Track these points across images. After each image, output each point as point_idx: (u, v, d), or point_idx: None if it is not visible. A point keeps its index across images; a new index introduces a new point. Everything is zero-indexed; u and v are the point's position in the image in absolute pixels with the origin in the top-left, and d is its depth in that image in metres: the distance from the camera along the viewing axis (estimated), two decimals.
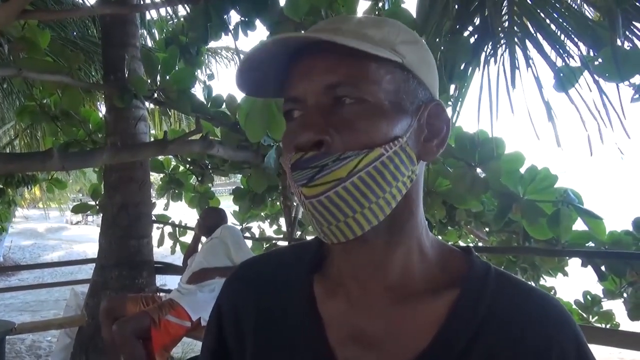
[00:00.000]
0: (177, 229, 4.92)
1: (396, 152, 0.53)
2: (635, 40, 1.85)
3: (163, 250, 5.23)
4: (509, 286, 0.58)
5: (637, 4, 1.73)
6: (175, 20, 5.52)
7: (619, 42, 1.73)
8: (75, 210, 5.38)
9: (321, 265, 0.65)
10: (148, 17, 6.34)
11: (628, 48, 1.83)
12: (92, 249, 13.07)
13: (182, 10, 4.79)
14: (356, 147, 0.51)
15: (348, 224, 0.52)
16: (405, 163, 0.54)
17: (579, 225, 3.10)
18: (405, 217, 0.57)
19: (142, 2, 4.54)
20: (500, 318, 0.55)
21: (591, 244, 3.25)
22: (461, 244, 4.40)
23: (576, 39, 2.00)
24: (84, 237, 16.88)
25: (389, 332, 0.56)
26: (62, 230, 19.97)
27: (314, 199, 0.51)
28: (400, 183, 0.54)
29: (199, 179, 4.85)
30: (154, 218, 4.47)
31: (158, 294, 3.90)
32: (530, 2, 2.03)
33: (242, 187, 4.85)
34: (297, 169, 0.52)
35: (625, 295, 3.22)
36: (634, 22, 1.81)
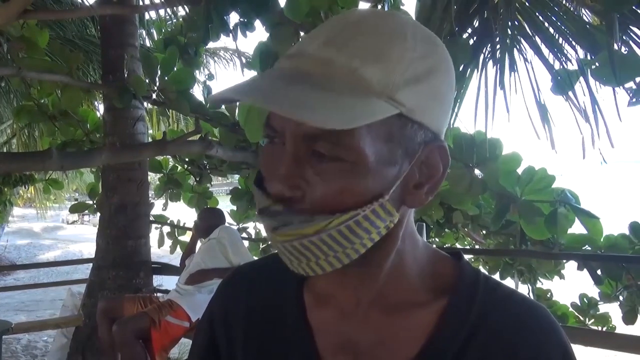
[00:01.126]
0: (175, 228, 4.92)
1: (374, 210, 0.49)
2: (633, 45, 1.87)
3: (160, 251, 5.23)
4: (498, 294, 0.58)
5: (635, 8, 1.75)
6: (174, 21, 5.53)
7: (616, 47, 1.75)
8: (73, 210, 5.39)
9: None
10: (147, 17, 6.35)
11: (625, 52, 1.85)
12: (88, 249, 13.04)
13: (180, 11, 4.80)
14: (327, 209, 0.48)
15: (310, 267, 0.51)
16: (382, 218, 0.50)
17: (576, 229, 3.12)
18: (387, 248, 0.55)
19: (142, 3, 4.55)
20: (490, 326, 0.54)
21: (587, 247, 3.27)
22: (458, 246, 4.42)
23: (574, 43, 2.01)
24: (80, 237, 16.83)
25: (378, 342, 0.56)
26: (58, 229, 19.92)
27: (279, 243, 0.50)
28: (373, 234, 0.50)
29: (197, 179, 4.86)
30: (152, 218, 4.47)
31: (155, 294, 3.91)
32: (529, 5, 2.05)
33: (240, 187, 4.86)
34: (262, 214, 0.50)
35: (621, 298, 3.24)
36: (631, 27, 1.82)
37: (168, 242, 4.93)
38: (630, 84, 1.86)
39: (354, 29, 0.49)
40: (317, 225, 0.48)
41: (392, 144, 0.48)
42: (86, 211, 5.04)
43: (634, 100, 1.78)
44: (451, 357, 0.53)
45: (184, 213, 5.20)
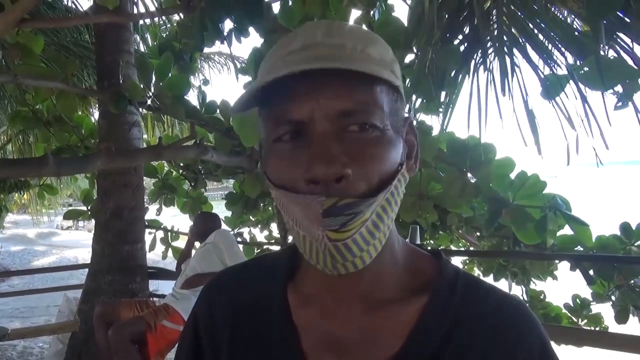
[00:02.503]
0: (169, 234, 4.92)
1: (399, 179, 0.53)
2: (620, 50, 1.91)
3: (155, 256, 5.22)
4: (477, 290, 0.60)
5: (621, 15, 1.79)
6: (169, 26, 5.56)
7: (603, 52, 1.79)
8: (67, 216, 5.37)
9: (294, 274, 0.66)
10: (141, 22, 6.37)
11: (612, 57, 1.88)
12: (83, 255, 12.99)
13: (175, 16, 4.82)
14: (375, 182, 0.50)
15: (362, 258, 0.51)
16: (401, 188, 0.55)
17: (568, 230, 3.15)
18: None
19: (137, 11, 4.57)
20: (469, 321, 0.56)
21: (580, 248, 3.30)
22: (453, 248, 4.45)
23: (563, 48, 2.05)
24: (75, 243, 16.75)
25: (361, 339, 0.57)
26: (52, 235, 19.79)
27: (341, 242, 0.49)
28: (395, 207, 0.54)
29: (193, 184, 4.87)
30: (146, 223, 4.48)
31: (151, 298, 3.91)
32: (518, 13, 2.09)
33: (235, 192, 4.87)
34: (330, 216, 0.48)
35: (613, 298, 3.28)
36: (617, 33, 1.86)
37: (160, 247, 4.93)
38: (617, 88, 1.90)
39: (344, 26, 0.55)
40: (376, 204, 0.50)
41: (395, 117, 0.54)
42: (80, 217, 5.03)
43: (620, 104, 1.82)
44: (432, 351, 0.55)
45: (176, 220, 5.20)
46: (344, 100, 0.49)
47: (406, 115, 0.59)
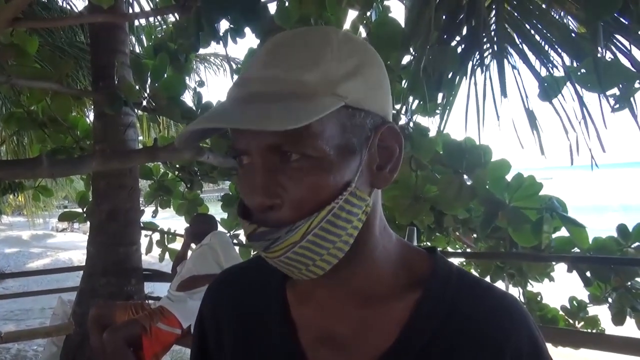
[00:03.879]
0: (165, 236, 4.90)
1: (347, 199, 0.53)
2: (617, 52, 1.91)
3: (150, 258, 5.20)
4: (469, 285, 0.61)
5: (618, 17, 1.78)
6: (164, 27, 5.54)
7: (600, 54, 1.78)
8: (62, 218, 5.34)
9: None
10: (136, 23, 6.34)
11: (609, 60, 1.88)
12: (78, 257, 12.93)
13: (170, 17, 4.80)
14: (306, 209, 0.52)
15: (310, 270, 0.55)
16: (357, 205, 0.54)
17: (565, 232, 3.15)
18: (365, 238, 0.58)
19: (132, 11, 4.55)
20: (461, 315, 0.58)
21: (576, 249, 3.30)
22: (449, 250, 4.45)
23: (560, 50, 2.05)
24: (70, 245, 16.66)
25: (356, 334, 0.59)
26: (47, 237, 19.68)
27: (275, 259, 0.54)
28: (355, 222, 0.55)
29: (188, 185, 4.85)
30: (142, 225, 4.45)
31: (147, 301, 3.88)
32: (516, 14, 2.09)
33: (231, 193, 4.85)
34: (253, 240, 0.54)
35: (610, 300, 3.27)
36: (614, 35, 1.86)
37: (156, 249, 4.90)
38: (613, 91, 1.89)
39: (287, 47, 0.55)
40: (301, 230, 0.52)
41: (347, 134, 0.53)
42: (76, 219, 5.00)
43: (617, 106, 1.82)
44: (424, 345, 0.57)
45: (171, 222, 5.18)
46: (270, 137, 0.51)
47: (386, 124, 0.58)
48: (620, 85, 1.85)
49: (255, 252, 4.50)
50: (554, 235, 3.23)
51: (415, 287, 0.60)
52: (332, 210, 0.52)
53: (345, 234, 0.54)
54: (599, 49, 1.69)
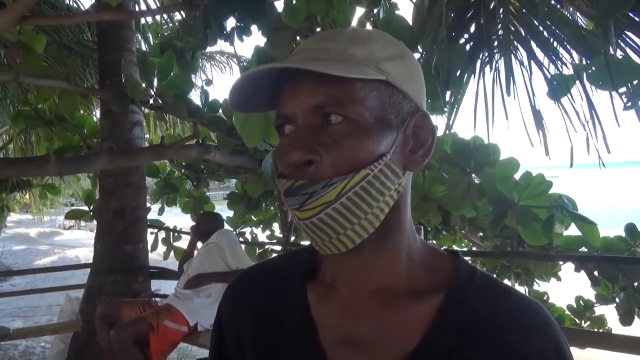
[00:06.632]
0: (170, 234, 4.91)
1: (381, 170, 0.55)
2: (628, 49, 1.88)
3: (157, 256, 5.21)
4: (493, 290, 0.61)
5: (629, 13, 1.76)
6: (170, 25, 5.54)
7: (611, 51, 1.76)
8: (69, 216, 5.36)
9: (315, 272, 0.68)
10: (142, 21, 6.36)
11: (620, 57, 1.86)
12: (85, 254, 13.01)
13: (177, 15, 4.80)
14: (343, 168, 0.54)
15: (340, 240, 0.55)
16: (390, 178, 0.56)
17: (572, 231, 3.12)
18: (394, 225, 0.60)
19: (139, 8, 4.56)
20: (483, 321, 0.57)
21: (584, 249, 3.28)
22: (455, 248, 4.43)
23: (569, 48, 2.02)
24: (77, 242, 16.77)
25: (377, 335, 0.59)
26: (54, 235, 19.81)
27: (307, 220, 0.55)
28: (387, 197, 0.56)
29: (194, 183, 4.85)
30: (148, 223, 4.46)
31: (153, 299, 3.90)
32: (524, 11, 2.06)
33: (237, 191, 4.86)
34: (289, 196, 0.55)
35: (617, 300, 3.25)
36: (626, 32, 1.84)
37: (161, 247, 4.91)
38: (623, 89, 1.87)
39: (335, 32, 0.61)
40: (337, 188, 0.53)
41: (386, 109, 0.57)
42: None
43: (629, 104, 1.80)
44: (446, 350, 0.56)
45: (177, 220, 5.18)
46: (316, 96, 0.55)
47: (420, 111, 0.61)
48: (632, 83, 1.83)
49: (261, 251, 4.50)
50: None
51: (438, 290, 0.60)
52: (367, 177, 0.54)
53: (377, 206, 0.55)
54: (610, 46, 1.67)
